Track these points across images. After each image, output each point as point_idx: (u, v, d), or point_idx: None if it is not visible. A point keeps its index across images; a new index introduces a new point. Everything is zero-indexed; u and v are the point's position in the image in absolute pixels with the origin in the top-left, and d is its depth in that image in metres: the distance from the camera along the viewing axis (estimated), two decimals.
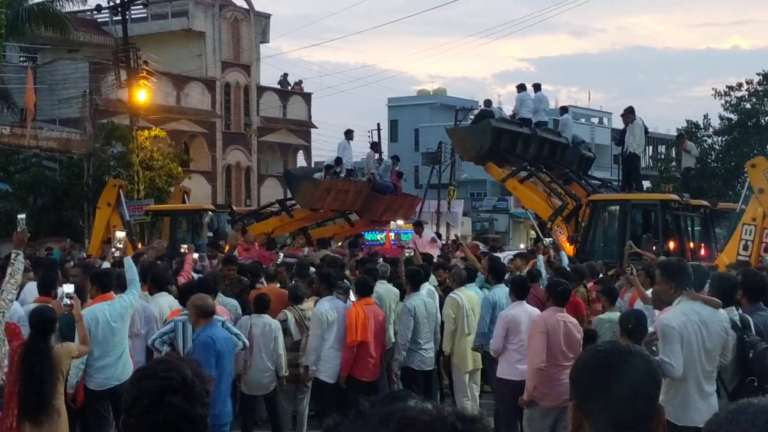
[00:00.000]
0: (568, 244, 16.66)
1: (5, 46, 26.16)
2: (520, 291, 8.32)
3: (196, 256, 12.58)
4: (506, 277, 10.20)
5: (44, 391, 6.31)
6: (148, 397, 2.33)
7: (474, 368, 9.94)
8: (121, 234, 9.20)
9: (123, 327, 7.60)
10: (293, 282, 10.55)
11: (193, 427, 2.34)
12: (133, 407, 2.34)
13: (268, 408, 9.28)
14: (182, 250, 13.27)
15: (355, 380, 8.97)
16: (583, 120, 59.11)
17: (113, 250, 9.21)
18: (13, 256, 7.22)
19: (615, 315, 7.92)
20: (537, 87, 20.87)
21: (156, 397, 2.32)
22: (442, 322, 9.93)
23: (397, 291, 10.24)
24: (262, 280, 10.94)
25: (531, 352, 7.43)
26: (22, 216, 7.53)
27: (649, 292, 9.41)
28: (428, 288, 10.36)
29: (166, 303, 8.67)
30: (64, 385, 6.72)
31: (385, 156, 30.59)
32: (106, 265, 9.57)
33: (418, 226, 20.49)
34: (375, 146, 25.91)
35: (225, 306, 8.85)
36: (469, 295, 9.91)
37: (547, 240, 12.88)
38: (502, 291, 9.43)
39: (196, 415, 2.34)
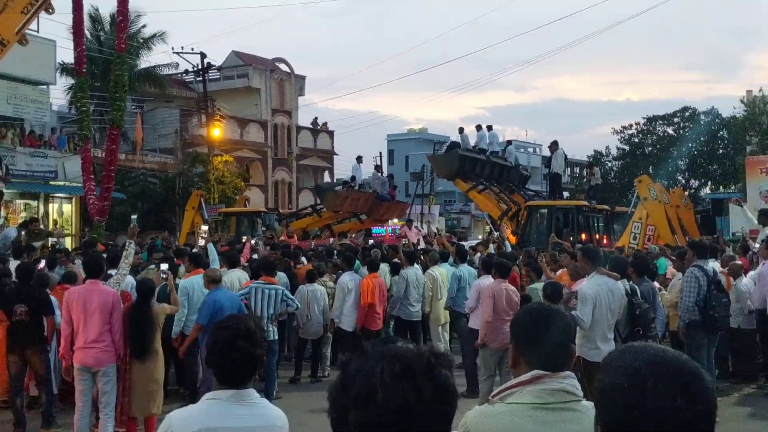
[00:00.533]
0: (512, 236, 16.69)
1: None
2: (486, 267, 8.30)
3: (253, 242, 12.54)
4: (467, 258, 10.26)
5: (146, 338, 6.25)
6: (222, 341, 2.31)
7: (444, 321, 10.03)
8: (205, 227, 9.25)
9: None
10: (318, 263, 10.52)
11: (254, 363, 2.34)
12: (213, 348, 2.34)
13: (314, 348, 9.27)
14: (243, 240, 13.29)
15: (366, 330, 9.02)
16: (522, 150, 58.90)
17: (201, 238, 9.25)
18: (127, 244, 7.23)
19: (540, 285, 7.96)
20: (489, 127, 20.90)
21: (228, 341, 2.30)
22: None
23: (387, 267, 10.25)
24: (302, 259, 10.90)
25: (483, 310, 7.47)
26: (134, 216, 7.56)
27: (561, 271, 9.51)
28: (416, 266, 10.40)
29: (236, 276, 8.64)
30: (160, 334, 6.65)
31: (385, 172, 30.57)
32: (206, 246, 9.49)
33: (409, 223, 20.61)
34: (378, 168, 25.86)
35: (279, 279, 8.92)
36: (441, 272, 10.10)
37: (497, 234, 12.88)
38: (465, 268, 9.52)
39: (257, 355, 2.33)
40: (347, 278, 9.03)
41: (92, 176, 13.24)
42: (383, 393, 1.08)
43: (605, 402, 1.14)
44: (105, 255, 7.59)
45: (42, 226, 12.47)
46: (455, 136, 21.71)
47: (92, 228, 14.66)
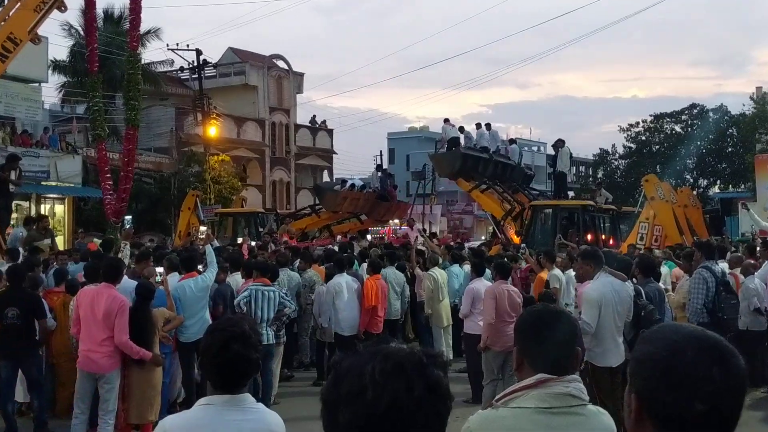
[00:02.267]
0: (515, 237, 16.67)
1: (115, 96, 26.14)
2: (478, 270, 8.33)
3: (253, 243, 12.52)
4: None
5: (146, 340, 6.23)
6: (216, 344, 2.31)
7: (447, 324, 10.02)
8: (203, 228, 9.21)
9: (204, 296, 7.46)
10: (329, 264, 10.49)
11: (249, 367, 2.33)
12: (207, 352, 2.34)
13: (330, 352, 9.16)
14: (239, 241, 13.30)
15: (369, 333, 8.99)
16: (526, 148, 58.82)
17: (199, 239, 9.23)
18: (122, 245, 7.23)
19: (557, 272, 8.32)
20: (488, 126, 20.93)
21: (222, 344, 2.30)
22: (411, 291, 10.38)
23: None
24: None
25: (484, 312, 7.47)
26: (128, 217, 7.55)
27: (571, 272, 9.51)
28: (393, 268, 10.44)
29: (239, 278, 8.67)
30: (158, 338, 6.64)
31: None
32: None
33: (411, 223, 20.70)
34: (379, 168, 25.79)
35: (291, 279, 9.00)
36: (441, 273, 10.15)
37: (502, 236, 12.73)
38: (457, 269, 9.88)
39: (252, 359, 2.33)
40: (339, 280, 8.89)
41: (109, 176, 13.23)
42: (373, 391, 1.08)
43: (642, 370, 1.19)
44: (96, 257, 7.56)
45: (48, 225, 12.43)
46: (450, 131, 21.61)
47: (111, 228, 14.62)
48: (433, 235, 20.45)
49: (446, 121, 20.42)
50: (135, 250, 8.83)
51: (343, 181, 22.36)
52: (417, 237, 15.91)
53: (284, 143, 39.26)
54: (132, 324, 6.08)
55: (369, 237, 16.25)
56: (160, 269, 7.52)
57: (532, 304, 7.26)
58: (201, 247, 9.01)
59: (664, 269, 9.90)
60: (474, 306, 8.10)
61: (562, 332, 2.11)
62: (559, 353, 2.08)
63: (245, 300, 7.42)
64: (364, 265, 9.95)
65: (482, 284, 7.99)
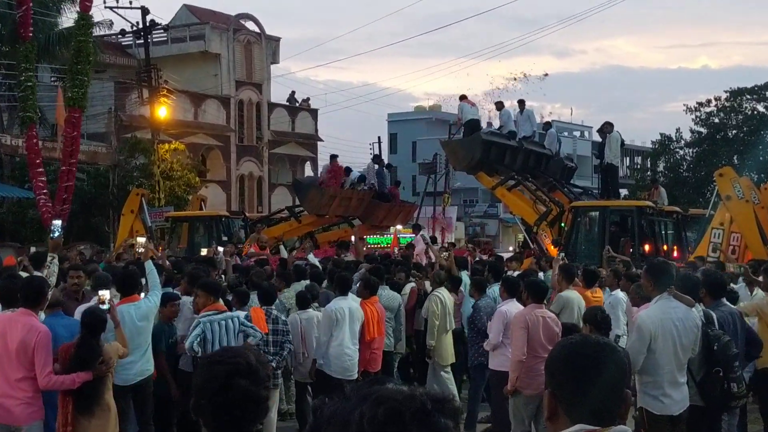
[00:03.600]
0: (552, 248, 16.67)
1: (37, 67, 26.19)
2: (512, 290, 8.31)
3: (220, 250, 12.48)
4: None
5: (97, 387, 6.15)
6: (218, 380, 2.34)
7: (453, 361, 10.05)
8: (142, 239, 9.13)
9: (148, 326, 7.41)
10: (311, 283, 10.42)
11: (257, 408, 2.38)
12: (205, 390, 2.36)
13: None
14: (204, 252, 13.27)
15: (367, 373, 8.94)
16: (566, 133, 59.02)
17: (137, 252, 9.15)
18: (48, 259, 7.15)
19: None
20: (521, 104, 20.93)
21: (225, 380, 2.34)
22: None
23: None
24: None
25: (513, 345, 7.45)
26: (57, 222, 7.52)
27: (620, 293, 9.51)
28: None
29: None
30: (111, 382, 6.55)
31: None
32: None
33: (416, 229, 20.76)
34: (377, 159, 25.72)
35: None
36: (449, 296, 10.09)
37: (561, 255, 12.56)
38: (497, 289, 9.55)
39: (261, 397, 2.38)
40: (340, 304, 8.72)
41: (41, 170, 13.21)
42: None
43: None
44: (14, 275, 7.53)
45: None
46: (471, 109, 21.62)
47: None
48: (450, 246, 20.47)
49: (463, 98, 20.46)
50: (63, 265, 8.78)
51: (347, 170, 22.24)
52: (425, 247, 15.91)
53: (255, 127, 39.31)
54: (76, 363, 6.04)
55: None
56: (106, 293, 7.39)
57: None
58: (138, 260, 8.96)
59: (741, 288, 9.89)
60: (506, 334, 8.09)
61: (607, 371, 2.12)
62: (603, 398, 2.08)
63: (197, 340, 7.28)
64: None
65: (515, 307, 7.99)
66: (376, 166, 23.31)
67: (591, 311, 6.96)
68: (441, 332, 9.81)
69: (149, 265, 7.81)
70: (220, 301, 7.89)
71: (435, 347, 9.81)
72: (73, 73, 14.27)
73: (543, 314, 7.50)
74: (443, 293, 9.98)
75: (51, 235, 7.29)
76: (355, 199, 21.84)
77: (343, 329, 8.57)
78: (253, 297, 8.78)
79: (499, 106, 20.65)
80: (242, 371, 2.36)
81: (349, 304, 8.76)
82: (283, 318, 8.52)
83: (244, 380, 2.34)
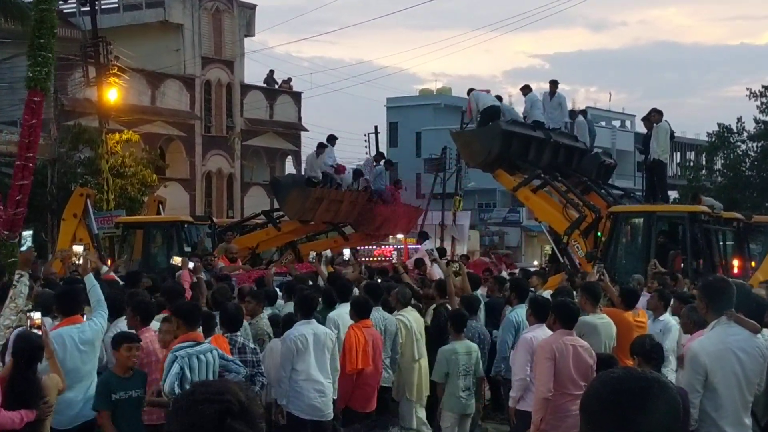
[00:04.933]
0: (585, 261, 16.67)
1: None
2: (541, 312, 8.26)
3: (191, 265, 12.47)
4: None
5: (35, 428, 6.14)
6: (208, 422, 2.33)
7: (425, 394, 10.12)
8: (79, 248, 9.07)
9: (93, 354, 7.43)
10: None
11: None
12: None
13: None
14: (174, 262, 13.28)
15: (352, 412, 8.93)
16: (603, 123, 59.27)
17: (74, 262, 9.12)
18: (16, 277, 7.22)
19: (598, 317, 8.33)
20: (554, 85, 20.90)
21: (216, 422, 2.32)
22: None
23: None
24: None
25: (537, 379, 7.45)
26: (28, 232, 7.54)
27: (670, 317, 9.52)
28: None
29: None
30: (50, 420, 6.55)
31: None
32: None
33: (421, 239, 20.69)
34: (380, 156, 25.53)
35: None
36: (415, 317, 10.20)
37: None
38: (523, 311, 9.61)
39: None
40: (302, 330, 8.69)
41: None
42: None
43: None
44: None
45: None
46: (499, 96, 21.64)
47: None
48: (463, 258, 20.45)
49: (471, 92, 20.48)
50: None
51: (350, 172, 22.18)
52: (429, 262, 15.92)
53: (225, 114, 39.34)
54: (13, 400, 6.05)
55: (348, 257, 16.08)
56: (36, 315, 7.37)
57: (610, 367, 7.27)
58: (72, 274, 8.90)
59: None
60: (533, 367, 8.08)
61: (656, 411, 2.12)
62: None
63: (177, 380, 7.07)
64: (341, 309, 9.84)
65: (544, 334, 7.98)
66: (374, 163, 23.31)
67: (639, 340, 6.90)
68: (408, 362, 9.95)
69: (90, 280, 7.78)
70: (199, 329, 7.70)
71: (404, 380, 9.97)
72: (35, 48, 14.30)
73: (574, 342, 7.48)
74: (409, 316, 10.10)
75: (20, 247, 7.32)
76: (346, 201, 21.81)
77: (306, 360, 8.58)
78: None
79: (526, 89, 20.58)
80: (234, 411, 2.34)
81: (314, 328, 8.77)
82: (252, 346, 8.48)
83: (238, 422, 2.34)
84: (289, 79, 43.54)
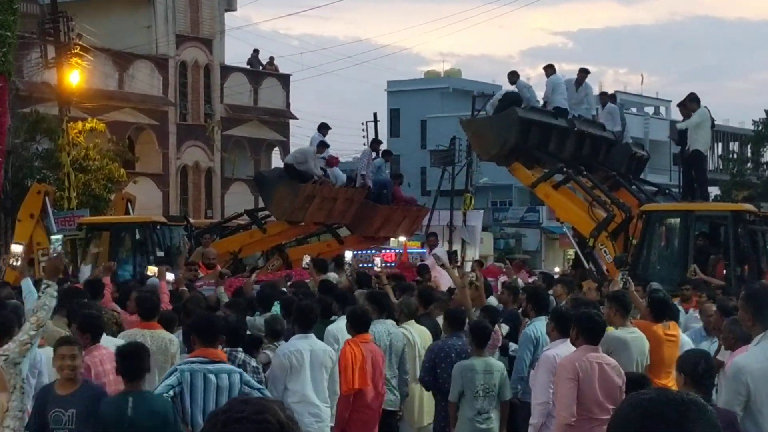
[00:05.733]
0: (613, 267, 16.66)
1: None
2: (565, 326, 8.24)
3: (171, 277, 12.47)
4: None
5: None
6: None
7: (428, 423, 10.11)
8: (18, 248, 9.07)
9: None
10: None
11: None
12: None
13: None
14: (149, 273, 13.28)
15: None
16: (634, 109, 59.24)
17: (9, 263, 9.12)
18: (42, 287, 7.20)
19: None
20: (584, 72, 20.95)
21: None
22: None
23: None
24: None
25: (558, 402, 7.46)
26: (57, 236, 7.58)
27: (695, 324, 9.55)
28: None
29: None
30: None
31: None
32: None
33: (432, 242, 20.68)
34: (373, 143, 25.61)
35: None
36: (421, 331, 10.21)
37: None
38: (542, 324, 9.57)
39: None
40: (298, 345, 8.77)
41: None
42: None
43: None
44: None
45: None
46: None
47: None
48: (476, 264, 20.42)
49: (515, 76, 20.53)
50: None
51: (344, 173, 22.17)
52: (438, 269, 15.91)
53: (203, 100, 39.30)
54: None
55: (348, 265, 16.04)
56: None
57: (641, 388, 7.24)
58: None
59: None
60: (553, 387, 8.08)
61: None
62: None
63: (166, 391, 7.10)
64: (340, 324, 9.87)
65: (568, 350, 7.97)
66: (374, 155, 23.26)
67: (691, 358, 6.70)
68: (410, 381, 10.00)
69: (27, 285, 7.75)
70: (220, 347, 7.67)
71: (402, 403, 10.00)
72: None
73: (599, 360, 7.49)
74: (412, 329, 10.10)
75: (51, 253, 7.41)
76: (341, 199, 21.76)
77: (301, 379, 8.62)
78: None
79: (550, 70, 20.51)
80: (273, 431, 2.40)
81: (312, 344, 8.80)
82: (254, 364, 8.38)
83: None
84: (272, 59, 43.42)
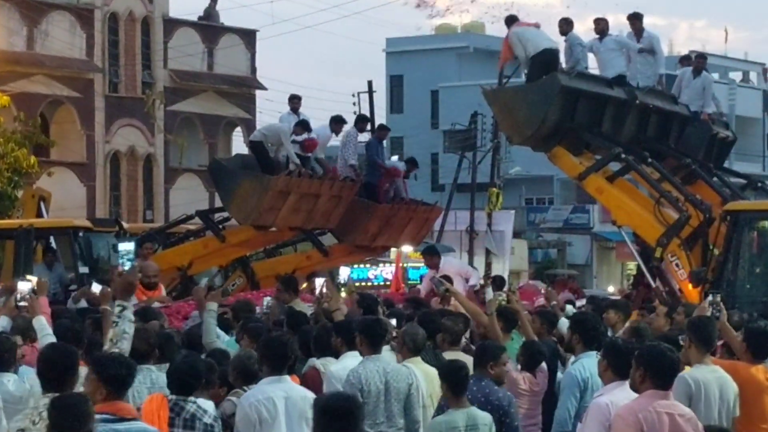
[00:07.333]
0: (689, 285, 16.72)
1: None
2: (621, 365, 8.28)
3: (96, 288, 12.56)
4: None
5: None
6: None
7: None
8: (25, 286, 9.48)
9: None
10: None
11: None
12: None
13: None
14: (95, 288, 13.39)
15: None
16: (716, 75, 59.39)
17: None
18: (117, 310, 7.64)
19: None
20: (637, 18, 20.93)
21: None
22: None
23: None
24: None
25: None
26: (128, 244, 7.80)
27: None
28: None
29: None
30: None
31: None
32: None
33: (431, 255, 20.45)
34: (362, 123, 25.35)
35: None
36: (425, 370, 10.27)
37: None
38: (592, 362, 9.61)
39: None
40: (269, 392, 8.73)
41: None
42: None
43: None
44: None
45: None
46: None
47: None
48: (498, 282, 20.36)
49: (512, 21, 20.40)
50: None
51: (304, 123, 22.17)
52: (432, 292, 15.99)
53: (140, 64, 39.38)
54: None
55: (343, 279, 16.03)
56: None
57: None
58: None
59: None
60: None
61: None
62: None
63: None
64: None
65: (627, 395, 8.04)
66: (372, 135, 23.30)
67: None
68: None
69: (40, 324, 8.08)
70: (129, 398, 7.62)
71: None
72: None
73: (670, 410, 7.56)
74: (416, 369, 10.17)
75: (121, 268, 7.78)
76: (325, 196, 21.77)
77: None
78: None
79: (600, 26, 20.53)
80: None
81: (287, 389, 8.84)
82: (209, 421, 8.23)
83: None
84: (226, 12, 43.62)
